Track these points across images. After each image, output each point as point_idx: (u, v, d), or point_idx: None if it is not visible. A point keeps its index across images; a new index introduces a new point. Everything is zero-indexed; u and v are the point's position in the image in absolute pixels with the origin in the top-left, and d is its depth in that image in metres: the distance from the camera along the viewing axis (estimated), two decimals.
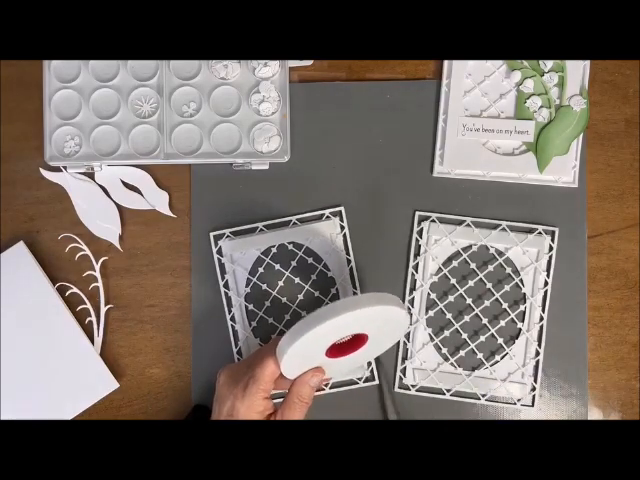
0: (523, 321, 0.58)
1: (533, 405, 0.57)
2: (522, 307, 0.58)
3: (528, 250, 0.58)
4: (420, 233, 0.59)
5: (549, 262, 0.58)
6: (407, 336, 0.58)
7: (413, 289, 0.58)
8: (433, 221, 0.58)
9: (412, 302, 0.58)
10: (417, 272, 0.58)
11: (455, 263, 0.58)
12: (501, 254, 0.58)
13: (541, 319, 0.58)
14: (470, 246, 0.58)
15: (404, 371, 0.58)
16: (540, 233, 0.58)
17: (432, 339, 0.58)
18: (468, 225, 0.58)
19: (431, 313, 0.58)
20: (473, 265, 0.58)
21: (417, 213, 0.59)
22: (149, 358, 0.60)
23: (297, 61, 0.59)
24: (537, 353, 0.57)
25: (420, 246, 0.58)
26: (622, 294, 0.58)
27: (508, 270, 0.58)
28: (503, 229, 0.58)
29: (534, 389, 0.57)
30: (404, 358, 0.58)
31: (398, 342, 0.58)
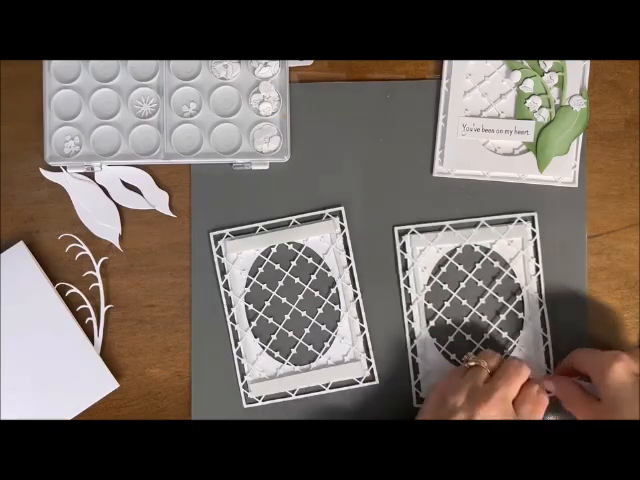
0: (523, 311, 0.58)
1: None
2: (519, 297, 0.58)
3: (512, 240, 0.58)
4: (404, 247, 0.58)
5: (535, 248, 0.58)
6: (414, 351, 0.58)
7: (410, 303, 0.58)
8: (413, 233, 0.58)
9: (411, 316, 0.58)
10: (409, 286, 0.58)
11: (444, 269, 0.58)
12: (487, 250, 0.58)
13: (540, 305, 0.58)
14: (455, 249, 0.58)
15: (419, 386, 0.58)
16: (520, 221, 0.58)
17: (439, 348, 0.58)
18: (448, 229, 0.58)
19: (432, 323, 0.58)
20: (461, 267, 0.58)
21: (396, 229, 0.58)
22: (149, 358, 0.59)
23: (297, 61, 0.59)
24: (545, 339, 0.57)
25: (407, 260, 0.58)
26: (622, 294, 0.58)
27: (497, 264, 0.58)
28: (483, 225, 0.58)
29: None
30: (416, 373, 0.58)
31: (408, 359, 0.58)
